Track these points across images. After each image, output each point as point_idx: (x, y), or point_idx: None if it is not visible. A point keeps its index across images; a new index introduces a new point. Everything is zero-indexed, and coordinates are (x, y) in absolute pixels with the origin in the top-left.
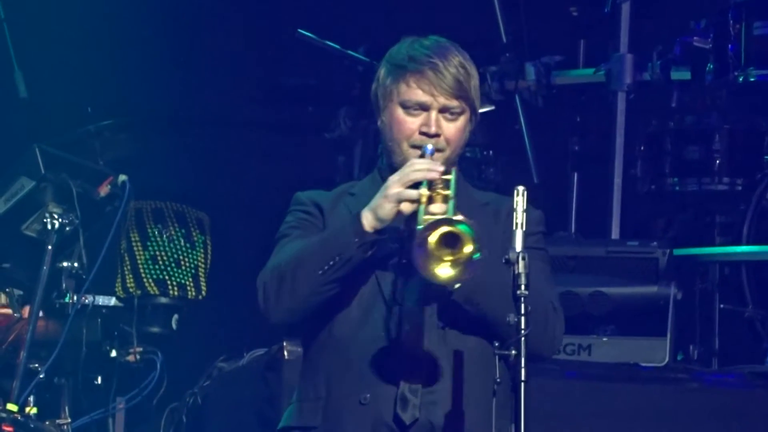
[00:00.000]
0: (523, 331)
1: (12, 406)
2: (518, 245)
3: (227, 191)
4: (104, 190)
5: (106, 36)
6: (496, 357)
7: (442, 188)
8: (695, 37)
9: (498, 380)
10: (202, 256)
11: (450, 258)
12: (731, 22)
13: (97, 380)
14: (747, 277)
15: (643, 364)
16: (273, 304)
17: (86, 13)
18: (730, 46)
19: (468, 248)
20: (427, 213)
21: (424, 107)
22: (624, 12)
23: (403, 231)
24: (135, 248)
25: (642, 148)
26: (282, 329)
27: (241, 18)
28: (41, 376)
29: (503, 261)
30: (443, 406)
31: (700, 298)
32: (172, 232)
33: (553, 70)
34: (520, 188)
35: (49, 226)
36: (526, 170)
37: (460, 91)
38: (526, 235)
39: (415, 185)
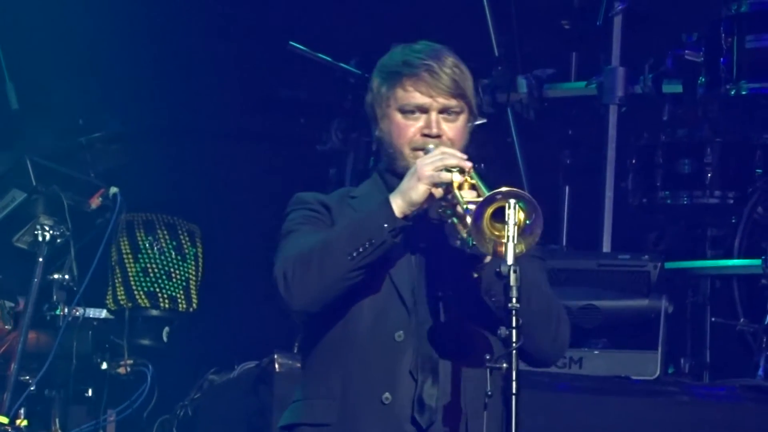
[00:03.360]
0: (514, 345)
1: (3, 419)
2: (510, 258)
3: (219, 203)
4: (95, 202)
5: (97, 47)
6: (488, 370)
7: (470, 178)
8: (687, 50)
9: (489, 393)
10: (194, 268)
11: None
12: (723, 35)
13: (87, 392)
14: (738, 291)
15: (635, 377)
16: (298, 291)
17: (77, 25)
18: (722, 59)
19: (521, 215)
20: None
21: (423, 109)
22: (616, 25)
23: (411, 223)
24: (126, 260)
25: (633, 161)
26: (301, 318)
27: (233, 30)
28: (32, 388)
29: (495, 272)
30: (457, 410)
31: (692, 311)
32: (163, 244)
33: (545, 83)
34: (512, 201)
35: (40, 238)
36: (517, 183)
37: (457, 90)
38: None
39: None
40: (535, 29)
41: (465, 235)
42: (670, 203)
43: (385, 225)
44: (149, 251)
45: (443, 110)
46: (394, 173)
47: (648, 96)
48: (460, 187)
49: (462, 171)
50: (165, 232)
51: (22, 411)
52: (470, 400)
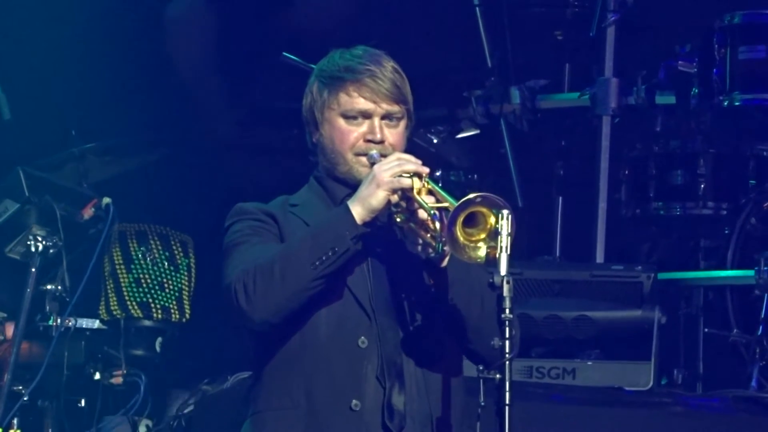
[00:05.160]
0: (507, 356)
1: None
2: (503, 269)
3: (211, 214)
4: (88, 212)
5: (90, 58)
6: (480, 381)
7: (426, 183)
8: (680, 62)
9: (482, 403)
10: (186, 278)
11: (483, 236)
12: (716, 46)
13: (80, 403)
14: (731, 302)
15: (628, 388)
16: (261, 303)
17: (71, 35)
18: (715, 70)
19: (492, 219)
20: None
21: (367, 115)
22: (609, 36)
23: (370, 230)
24: (119, 271)
25: (627, 172)
26: (262, 330)
27: (226, 41)
28: (25, 398)
29: (489, 283)
30: (425, 413)
31: (685, 322)
32: (156, 255)
33: (538, 94)
34: (505, 212)
35: (33, 249)
36: (510, 194)
37: (399, 96)
38: None
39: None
40: (529, 40)
41: (430, 240)
42: (663, 214)
43: (347, 232)
44: (142, 262)
45: (386, 116)
46: (336, 179)
47: (641, 107)
48: (419, 193)
49: (419, 176)
50: (158, 243)
51: (15, 421)
52: (435, 403)
